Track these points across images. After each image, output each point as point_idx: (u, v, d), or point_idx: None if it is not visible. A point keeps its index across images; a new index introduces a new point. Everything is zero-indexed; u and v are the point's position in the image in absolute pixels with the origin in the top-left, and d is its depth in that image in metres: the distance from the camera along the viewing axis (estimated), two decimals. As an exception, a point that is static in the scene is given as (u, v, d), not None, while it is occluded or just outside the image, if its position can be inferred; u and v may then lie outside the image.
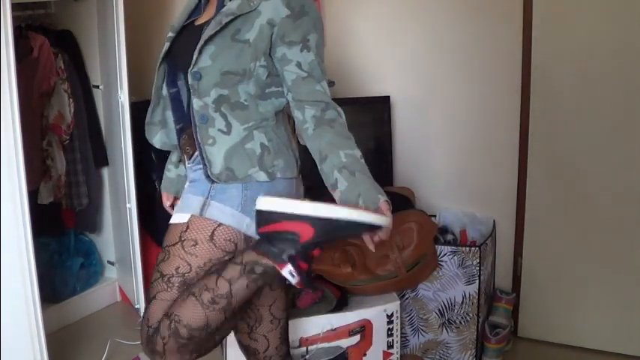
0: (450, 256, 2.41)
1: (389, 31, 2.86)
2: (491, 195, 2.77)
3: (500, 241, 2.74)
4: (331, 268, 2.30)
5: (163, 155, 1.86)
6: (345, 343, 2.28)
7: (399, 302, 2.34)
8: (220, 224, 1.51)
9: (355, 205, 1.42)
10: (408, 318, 2.50)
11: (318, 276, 2.31)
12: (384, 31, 2.87)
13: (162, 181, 1.86)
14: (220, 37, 1.49)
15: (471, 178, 2.81)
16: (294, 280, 1.42)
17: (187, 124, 1.58)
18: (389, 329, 2.32)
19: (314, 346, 2.24)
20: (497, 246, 2.72)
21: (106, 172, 3.13)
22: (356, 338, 2.28)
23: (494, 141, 2.74)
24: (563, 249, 2.63)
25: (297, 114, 1.53)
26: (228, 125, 1.52)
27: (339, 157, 1.47)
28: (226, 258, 1.52)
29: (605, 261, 2.55)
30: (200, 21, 1.60)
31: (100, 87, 2.99)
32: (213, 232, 1.51)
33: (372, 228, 1.39)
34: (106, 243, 3.20)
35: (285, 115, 1.65)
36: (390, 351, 2.35)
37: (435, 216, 2.74)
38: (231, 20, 1.48)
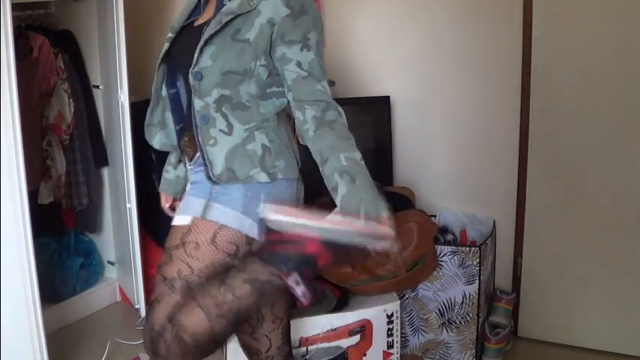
0: (450, 256, 2.41)
1: (389, 31, 2.86)
2: (491, 195, 2.77)
3: (500, 241, 2.74)
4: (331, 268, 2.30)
5: (163, 155, 1.86)
6: (345, 343, 2.28)
7: (399, 302, 2.34)
8: (222, 226, 1.51)
9: (358, 216, 1.42)
10: (408, 318, 2.50)
11: (319, 276, 2.31)
12: (384, 31, 2.87)
13: (161, 183, 1.86)
14: (220, 37, 1.49)
15: (471, 178, 2.81)
16: (299, 290, 1.42)
17: (187, 125, 1.59)
18: (389, 329, 2.32)
19: (314, 346, 2.24)
20: (497, 246, 2.72)
21: (106, 172, 3.13)
22: (356, 338, 2.28)
23: (494, 141, 2.74)
24: (563, 249, 2.63)
25: (297, 114, 1.53)
26: (230, 126, 1.52)
27: (340, 160, 1.47)
28: (227, 259, 1.52)
29: (605, 261, 2.55)
30: (199, 21, 1.60)
31: (100, 87, 2.98)
32: (214, 235, 1.51)
33: (377, 239, 1.40)
34: (106, 243, 3.20)
35: (285, 116, 1.64)
36: (390, 351, 2.35)
37: (435, 216, 2.74)
38: (231, 20, 1.48)
